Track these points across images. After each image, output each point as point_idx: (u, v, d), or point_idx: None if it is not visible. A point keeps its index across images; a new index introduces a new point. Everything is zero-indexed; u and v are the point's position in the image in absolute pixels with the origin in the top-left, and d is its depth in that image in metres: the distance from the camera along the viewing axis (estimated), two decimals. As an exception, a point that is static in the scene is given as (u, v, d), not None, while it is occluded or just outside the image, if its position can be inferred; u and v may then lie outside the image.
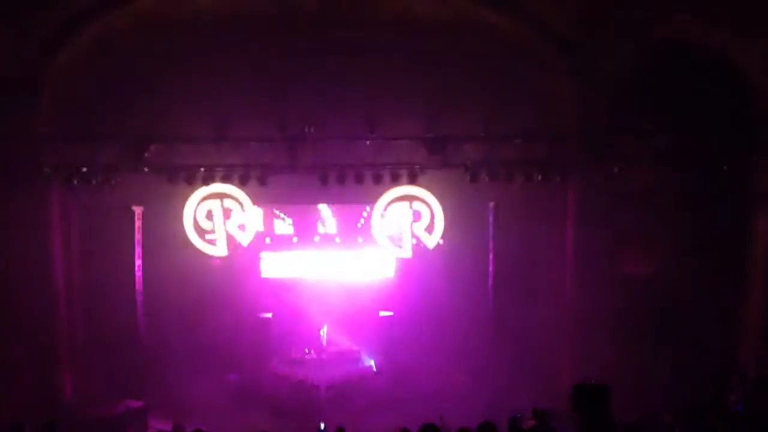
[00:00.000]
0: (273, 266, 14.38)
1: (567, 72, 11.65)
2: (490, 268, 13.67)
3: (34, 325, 11.37)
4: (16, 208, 11.05)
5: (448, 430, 6.91)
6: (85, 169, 11.41)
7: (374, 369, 13.71)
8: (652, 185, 11.65)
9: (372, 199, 12.84)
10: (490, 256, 13.64)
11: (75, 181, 11.47)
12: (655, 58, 11.05)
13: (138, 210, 13.09)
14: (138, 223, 13.12)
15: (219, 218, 12.69)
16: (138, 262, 13.11)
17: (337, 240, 14.38)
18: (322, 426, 9.20)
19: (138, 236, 13.12)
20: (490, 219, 13.58)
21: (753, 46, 10.53)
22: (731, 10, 10.25)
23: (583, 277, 12.08)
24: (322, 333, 13.89)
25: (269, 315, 14.02)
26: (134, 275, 13.10)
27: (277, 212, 14.33)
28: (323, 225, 14.51)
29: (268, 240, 14.24)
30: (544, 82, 12.28)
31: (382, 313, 14.02)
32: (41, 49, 10.96)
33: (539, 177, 11.71)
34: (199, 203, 12.56)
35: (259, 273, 14.27)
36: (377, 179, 11.97)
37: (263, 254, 14.27)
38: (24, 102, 11.00)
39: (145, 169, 11.72)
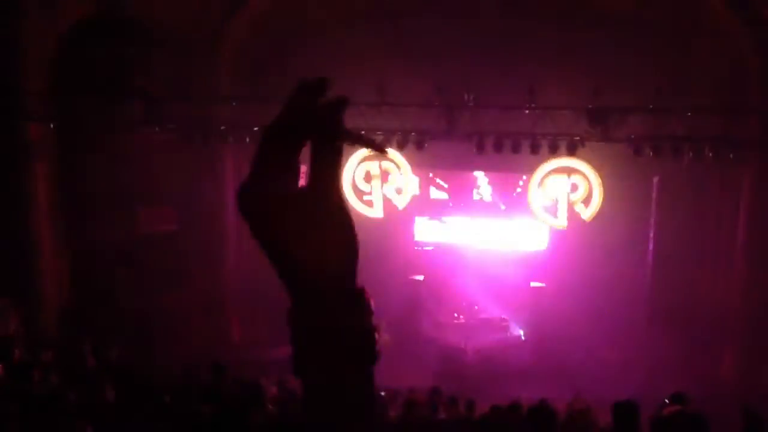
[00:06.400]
0: (426, 230, 14.65)
1: (752, 46, 10.79)
2: (650, 246, 13.11)
3: (206, 272, 12.40)
4: (197, 161, 12.03)
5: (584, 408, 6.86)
6: (256, 129, 11.98)
7: (522, 338, 13.68)
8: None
9: (529, 169, 12.67)
10: (651, 234, 13.06)
11: (247, 140, 12.07)
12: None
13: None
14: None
15: (377, 180, 13.08)
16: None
17: (502, 207, 14.29)
18: None
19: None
20: (653, 195, 12.98)
21: None
22: None
23: (755, 264, 11.30)
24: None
25: (421, 278, 14.33)
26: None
27: (433, 177, 14.52)
28: (478, 192, 14.54)
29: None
30: (725, 55, 11.44)
31: (533, 284, 13.90)
32: (221, 11, 11.74)
33: (710, 154, 10.98)
34: (358, 164, 12.99)
35: (413, 236, 14.59)
36: (535, 149, 11.75)
37: (417, 219, 14.54)
38: (203, 63, 11.88)
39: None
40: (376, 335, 1.05)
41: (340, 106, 0.99)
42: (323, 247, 1.02)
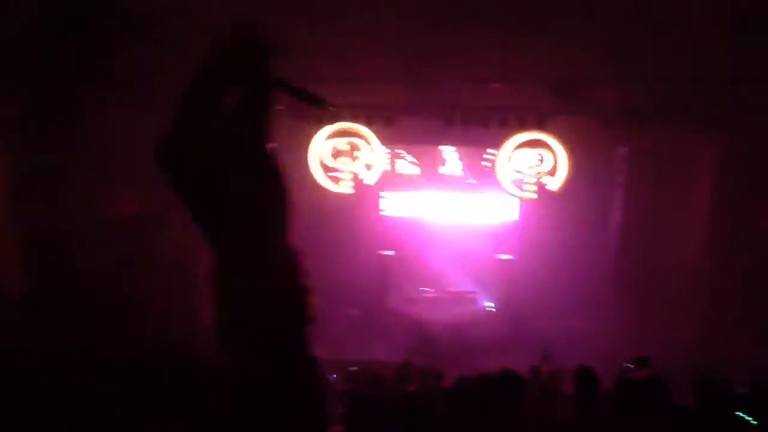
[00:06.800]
0: (395, 205, 14.67)
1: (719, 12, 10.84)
2: (617, 216, 13.29)
3: (173, 253, 12.27)
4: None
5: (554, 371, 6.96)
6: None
7: (492, 310, 13.83)
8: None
9: (497, 143, 12.71)
10: (618, 204, 13.24)
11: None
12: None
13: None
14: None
15: (346, 157, 13.02)
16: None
17: (472, 181, 14.33)
18: None
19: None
20: (621, 166, 13.13)
21: None
22: None
23: (718, 232, 11.53)
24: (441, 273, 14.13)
25: (390, 253, 14.38)
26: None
27: (401, 152, 14.52)
28: (448, 166, 14.57)
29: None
30: (693, 23, 11.50)
31: (502, 256, 14.03)
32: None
33: (677, 125, 11.12)
34: (326, 140, 12.91)
35: (383, 211, 14.60)
36: (503, 123, 11.81)
37: (385, 193, 14.53)
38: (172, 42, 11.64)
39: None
40: (309, 298, 0.99)
41: (271, 51, 0.94)
42: (252, 201, 0.96)
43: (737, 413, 4.61)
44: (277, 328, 0.98)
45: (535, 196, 12.95)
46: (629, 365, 6.82)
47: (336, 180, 13.12)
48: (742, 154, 11.14)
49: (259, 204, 0.99)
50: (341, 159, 13.05)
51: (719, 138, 11.56)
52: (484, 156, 13.93)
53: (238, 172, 0.96)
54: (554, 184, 12.70)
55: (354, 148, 12.94)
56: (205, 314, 13.01)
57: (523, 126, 11.90)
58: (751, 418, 4.57)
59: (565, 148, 12.42)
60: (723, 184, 11.70)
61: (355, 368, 8.17)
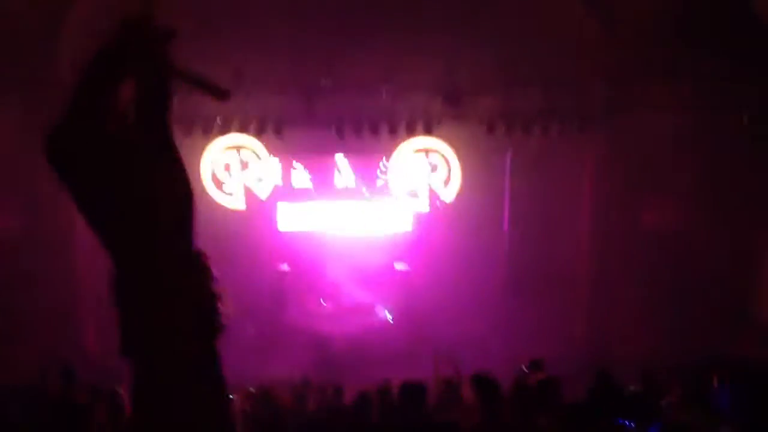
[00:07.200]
0: (291, 219, 14.40)
1: (591, 18, 11.33)
2: (505, 219, 13.61)
3: (54, 274, 11.52)
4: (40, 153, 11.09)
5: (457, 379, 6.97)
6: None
7: (390, 321, 13.81)
8: (673, 135, 11.42)
9: (389, 151, 12.75)
10: (506, 207, 13.56)
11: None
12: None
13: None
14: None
15: (236, 170, 12.69)
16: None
17: (365, 192, 14.22)
18: None
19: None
20: (507, 170, 13.46)
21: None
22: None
23: (600, 229, 12.04)
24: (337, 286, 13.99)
25: (286, 267, 14.10)
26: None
27: (294, 163, 14.29)
28: (341, 176, 14.46)
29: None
30: (567, 28, 11.97)
31: (398, 266, 14.06)
32: None
33: (558, 127, 11.56)
34: (215, 155, 12.55)
35: (277, 225, 14.31)
36: (393, 130, 11.88)
37: (280, 205, 14.25)
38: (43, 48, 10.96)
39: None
40: (219, 303, 0.90)
41: (165, 38, 0.86)
42: (152, 198, 0.88)
43: (618, 418, 4.70)
44: (186, 334, 0.91)
45: (428, 208, 13.08)
46: (525, 369, 6.91)
47: (229, 194, 12.78)
48: (620, 152, 11.68)
49: (162, 203, 0.90)
50: (232, 172, 12.71)
51: (598, 138, 12.04)
52: (378, 165, 13.93)
53: (139, 169, 0.88)
54: (448, 194, 12.87)
55: (245, 161, 12.64)
56: (89, 342, 12.33)
57: (412, 133, 12.01)
58: (631, 422, 4.64)
59: (455, 155, 12.62)
60: (603, 182, 12.21)
61: (253, 389, 7.87)
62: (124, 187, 0.85)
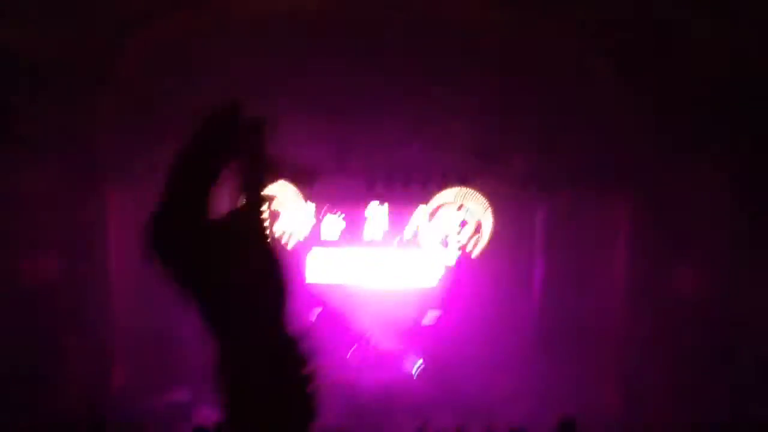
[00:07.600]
0: (319, 270, 14.38)
1: (630, 86, 11.33)
2: (537, 277, 13.48)
3: (89, 319, 11.68)
4: (81, 203, 11.40)
5: None
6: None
7: (417, 372, 13.68)
8: (711, 198, 11.26)
9: (419, 206, 12.78)
10: (538, 265, 13.44)
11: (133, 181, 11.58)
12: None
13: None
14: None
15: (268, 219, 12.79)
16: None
17: (395, 244, 14.21)
18: None
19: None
20: (540, 226, 13.39)
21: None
22: None
23: (634, 288, 11.84)
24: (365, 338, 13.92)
25: (316, 314, 14.08)
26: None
27: (325, 213, 14.35)
28: (372, 229, 14.49)
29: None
30: (604, 94, 11.98)
31: (428, 318, 13.97)
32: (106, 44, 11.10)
33: (593, 185, 11.50)
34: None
35: (305, 276, 14.32)
36: (425, 185, 11.96)
37: (311, 254, 14.26)
38: (87, 102, 11.29)
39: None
40: (315, 393, 0.93)
41: (258, 127, 0.90)
42: (249, 286, 0.94)
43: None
44: (282, 419, 0.98)
45: (455, 260, 13.04)
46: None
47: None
48: (656, 211, 11.53)
49: (260, 289, 1.01)
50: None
51: (633, 196, 11.94)
52: (409, 217, 13.97)
53: (239, 257, 0.96)
54: (478, 248, 12.84)
55: (275, 211, 12.77)
56: (119, 380, 12.41)
57: (443, 188, 12.08)
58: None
59: (487, 209, 12.61)
60: (638, 241, 12.02)
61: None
62: (222, 273, 0.92)
